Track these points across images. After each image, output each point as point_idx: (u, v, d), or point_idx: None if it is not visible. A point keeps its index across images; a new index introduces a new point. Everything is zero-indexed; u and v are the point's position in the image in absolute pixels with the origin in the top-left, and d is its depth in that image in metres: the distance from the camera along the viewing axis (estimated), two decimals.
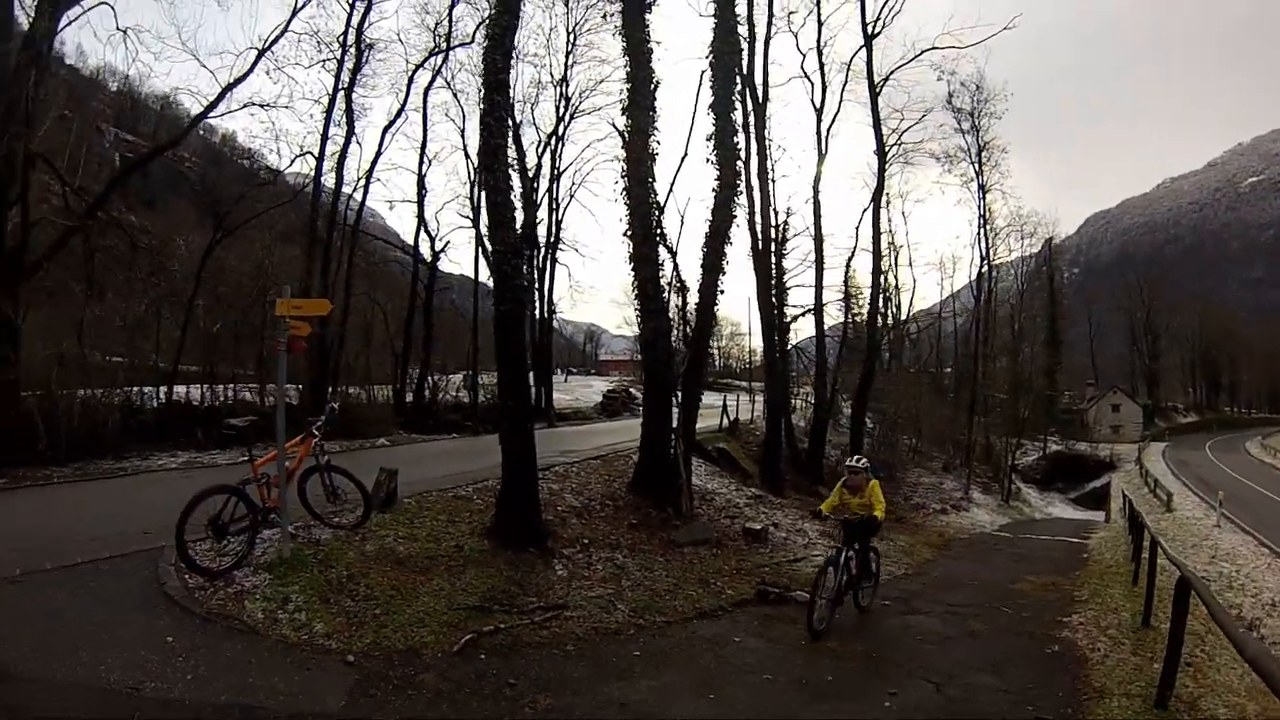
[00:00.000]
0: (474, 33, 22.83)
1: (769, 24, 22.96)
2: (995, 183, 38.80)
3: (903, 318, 45.56)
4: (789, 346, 26.04)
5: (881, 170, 25.60)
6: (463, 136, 27.01)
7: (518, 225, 9.95)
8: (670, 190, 30.40)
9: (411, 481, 10.71)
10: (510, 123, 22.66)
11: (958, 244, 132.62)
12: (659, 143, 13.04)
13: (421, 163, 26.04)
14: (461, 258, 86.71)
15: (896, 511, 20.95)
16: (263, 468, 7.29)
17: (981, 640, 7.89)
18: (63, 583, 6.31)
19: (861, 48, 24.35)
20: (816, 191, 24.95)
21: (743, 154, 14.91)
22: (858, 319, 32.04)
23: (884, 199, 29.27)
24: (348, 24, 21.33)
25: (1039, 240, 52.61)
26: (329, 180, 22.08)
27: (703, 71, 14.27)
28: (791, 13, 24.50)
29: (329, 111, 21.45)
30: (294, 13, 19.15)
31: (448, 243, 28.55)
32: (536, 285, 30.55)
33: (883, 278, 31.38)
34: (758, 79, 21.95)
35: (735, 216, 13.99)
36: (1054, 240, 56.44)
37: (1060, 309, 57.61)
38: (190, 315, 19.73)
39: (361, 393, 22.77)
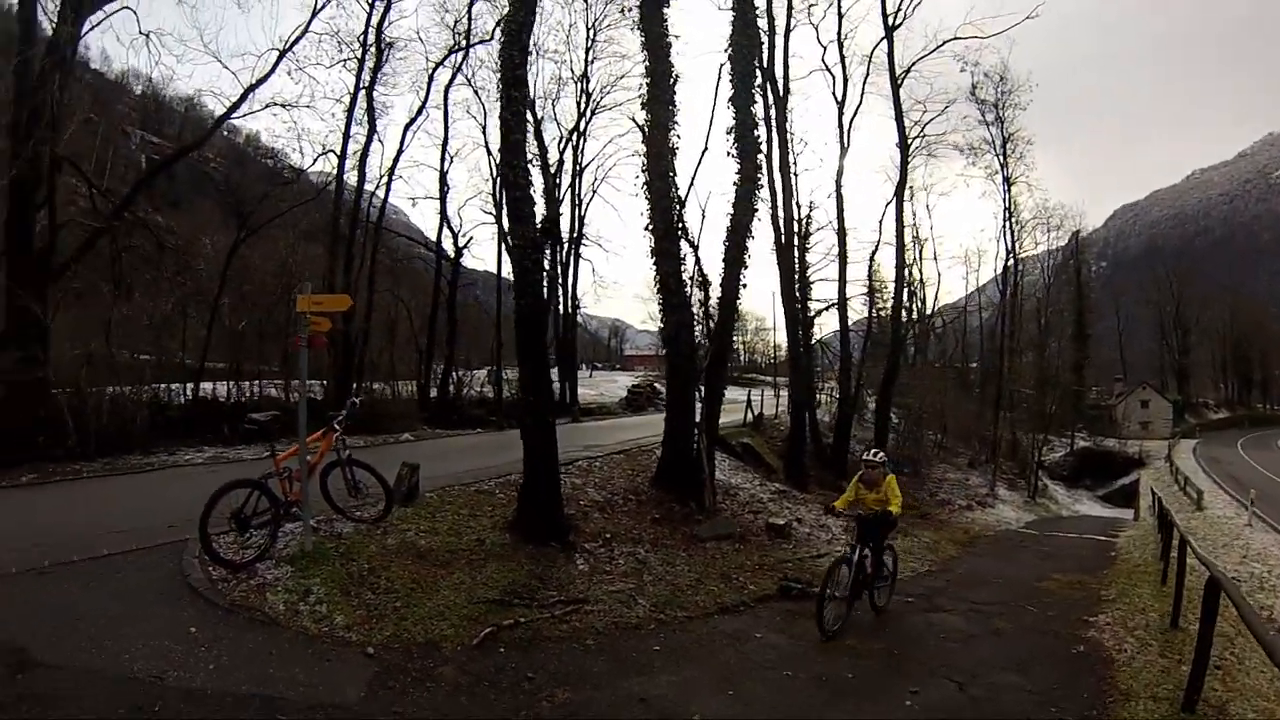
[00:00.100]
0: (493, 30, 22.91)
1: (789, 17, 22.84)
2: (1020, 175, 38.35)
3: (928, 312, 45.19)
4: (813, 341, 25.94)
5: (904, 163, 25.36)
6: (484, 133, 27.19)
7: (537, 220, 9.94)
8: (691, 185, 30.17)
9: (434, 476, 10.79)
10: (530, 118, 22.79)
11: (983, 237, 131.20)
12: (679, 137, 13.00)
13: (443, 159, 26.18)
14: (485, 254, 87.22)
15: (921, 508, 20.78)
16: (285, 462, 7.37)
17: (1006, 639, 7.76)
18: (89, 574, 6.43)
19: (882, 39, 24.16)
20: (839, 185, 24.76)
21: (764, 148, 14.76)
22: (882, 313, 31.84)
23: (907, 192, 29.13)
24: (367, 23, 21.58)
25: (1065, 233, 52.04)
26: (351, 178, 22.38)
27: (722, 65, 14.23)
28: (811, 5, 24.29)
29: (350, 110, 21.70)
30: (314, 13, 19.39)
31: (471, 239, 28.85)
32: (560, 280, 30.68)
33: (907, 272, 31.17)
34: (778, 72, 21.90)
35: (756, 210, 13.90)
36: (1081, 233, 55.89)
37: (1088, 303, 56.90)
38: (216, 313, 19.97)
39: (386, 388, 22.96)
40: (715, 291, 14.06)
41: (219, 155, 44.44)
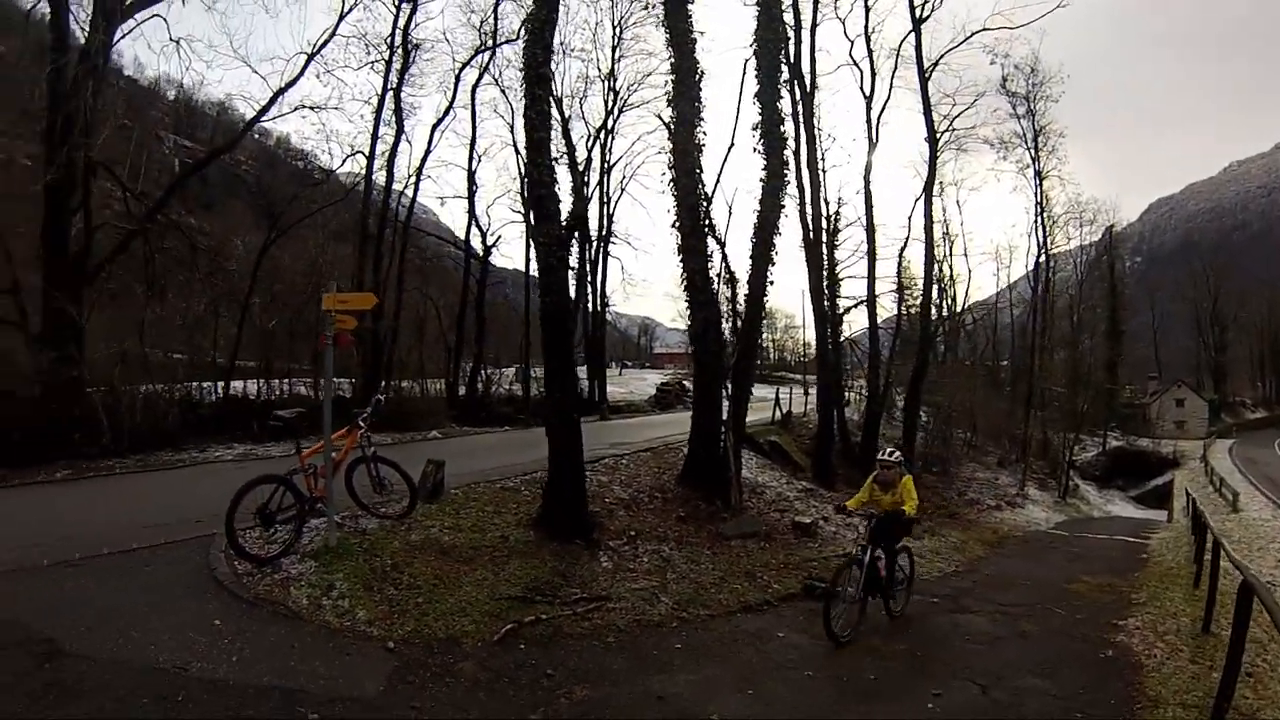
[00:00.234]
0: (519, 30, 22.96)
1: (815, 11, 22.60)
2: (1052, 169, 37.80)
3: (958, 309, 44.44)
4: (842, 338, 25.75)
5: (933, 158, 24.89)
6: (511, 132, 27.23)
7: (562, 218, 9.94)
8: (717, 181, 30.20)
9: (460, 473, 10.87)
10: (558, 117, 22.88)
11: (1014, 233, 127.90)
12: (705, 134, 12.97)
13: (471, 159, 26.36)
14: (514, 252, 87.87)
15: (949, 507, 20.52)
16: (310, 458, 7.45)
17: (1032, 642, 7.62)
18: (118, 567, 6.57)
19: (910, 32, 23.68)
20: (867, 181, 24.55)
21: (791, 144, 14.72)
22: (912, 310, 31.43)
23: (937, 187, 28.73)
24: (394, 26, 21.72)
25: (1099, 228, 51.07)
26: (380, 178, 22.49)
27: (747, 61, 14.20)
28: None
29: (378, 111, 21.87)
30: (341, 17, 19.60)
31: (499, 237, 28.94)
32: (589, 278, 30.77)
33: (937, 268, 30.73)
34: (804, 67, 21.66)
35: (784, 207, 13.84)
36: (1115, 228, 54.75)
37: (1121, 299, 55.79)
38: (247, 313, 20.24)
39: (415, 386, 23.15)
40: (742, 288, 14.01)
41: (250, 158, 45.04)
